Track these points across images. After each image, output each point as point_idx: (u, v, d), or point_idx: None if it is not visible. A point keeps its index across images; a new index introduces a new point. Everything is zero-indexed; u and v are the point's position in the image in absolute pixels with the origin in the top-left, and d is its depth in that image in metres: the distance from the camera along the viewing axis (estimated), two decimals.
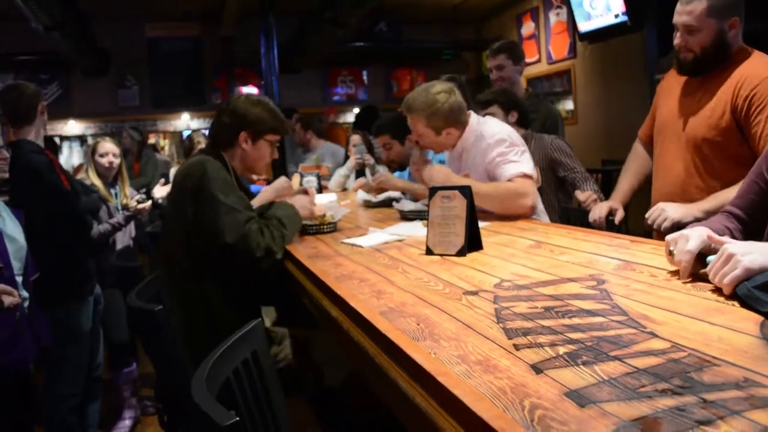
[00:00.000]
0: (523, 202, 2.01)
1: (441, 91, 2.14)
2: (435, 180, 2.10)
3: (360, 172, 4.32)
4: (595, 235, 1.69)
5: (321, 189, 3.96)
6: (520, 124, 2.68)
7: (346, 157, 4.64)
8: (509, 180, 2.03)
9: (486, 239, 1.67)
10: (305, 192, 2.16)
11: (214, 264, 1.77)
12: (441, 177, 2.11)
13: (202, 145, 3.89)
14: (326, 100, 10.76)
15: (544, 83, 7.04)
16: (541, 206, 2.28)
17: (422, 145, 2.22)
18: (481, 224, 1.94)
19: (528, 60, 7.01)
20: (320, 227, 2.14)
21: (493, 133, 2.13)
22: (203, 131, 8.12)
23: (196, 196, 1.77)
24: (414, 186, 2.75)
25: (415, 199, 2.58)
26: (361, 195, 3.09)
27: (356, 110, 11.97)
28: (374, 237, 1.90)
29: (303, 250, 1.84)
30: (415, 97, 2.17)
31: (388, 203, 2.83)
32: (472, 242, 1.56)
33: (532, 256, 1.45)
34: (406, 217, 2.32)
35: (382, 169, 3.56)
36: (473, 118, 2.25)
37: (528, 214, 2.05)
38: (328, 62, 10.15)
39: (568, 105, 6.73)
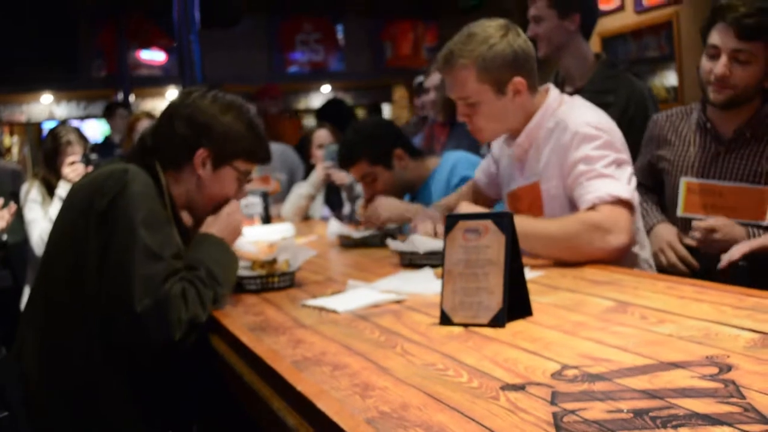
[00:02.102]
0: (608, 241, 2.06)
1: (497, 27, 2.23)
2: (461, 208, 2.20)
3: (333, 192, 4.37)
4: (716, 291, 1.71)
5: (269, 217, 3.99)
6: None
7: (308, 167, 4.68)
8: (591, 207, 2.10)
9: (537, 298, 1.69)
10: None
11: (116, 339, 1.80)
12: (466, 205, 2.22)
13: (76, 147, 3.93)
14: (277, 71, 10.87)
15: (629, 44, 7.12)
16: (649, 258, 2.34)
17: (475, 126, 2.29)
18: (530, 273, 1.96)
19: (603, 6, 7.05)
20: (268, 281, 2.17)
21: (583, 121, 2.20)
22: (78, 124, 8.14)
23: (104, 223, 1.81)
24: (427, 212, 2.79)
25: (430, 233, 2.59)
26: (335, 227, 3.12)
27: (325, 89, 12.14)
28: (356, 296, 1.92)
29: (241, 318, 1.85)
30: (456, 40, 2.25)
31: (379, 240, 2.86)
32: (516, 304, 1.57)
33: (613, 326, 1.47)
34: (410, 262, 2.35)
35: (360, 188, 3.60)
36: (553, 93, 2.34)
37: (613, 257, 2.09)
38: (279, 8, 10.30)
39: (669, 79, 6.82)
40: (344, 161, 3.23)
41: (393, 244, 2.47)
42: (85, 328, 1.82)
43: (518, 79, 2.23)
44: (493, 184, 2.65)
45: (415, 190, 3.19)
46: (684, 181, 2.41)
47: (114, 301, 1.76)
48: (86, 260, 1.81)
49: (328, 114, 5.43)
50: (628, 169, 2.17)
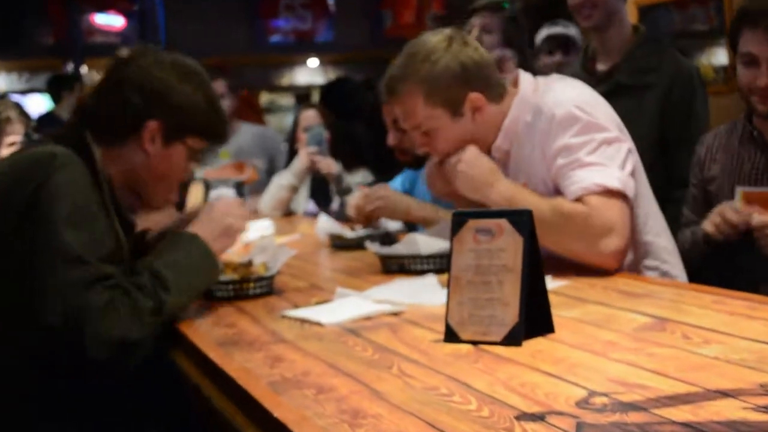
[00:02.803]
0: (605, 245, 2.07)
1: (439, 40, 2.27)
2: (460, 180, 2.21)
3: (320, 183, 4.36)
4: None
5: None
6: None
7: (291, 152, 4.68)
8: (578, 199, 2.11)
9: (560, 312, 1.69)
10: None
11: (38, 355, 1.79)
12: (472, 176, 2.21)
13: (16, 126, 3.92)
14: (257, 42, 10.86)
15: (672, 15, 7.10)
16: (669, 245, 2.34)
17: (435, 149, 2.33)
18: (552, 283, 1.96)
19: None
20: (242, 287, 2.17)
21: (557, 101, 2.21)
22: (20, 99, 8.12)
23: (25, 219, 1.79)
24: (436, 212, 2.80)
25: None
26: (325, 225, 3.12)
27: (312, 62, 12.12)
28: (345, 306, 1.92)
29: (209, 331, 1.85)
30: (395, 65, 2.31)
31: (378, 242, 2.85)
32: (535, 319, 1.57)
33: (649, 346, 1.47)
34: (402, 268, 2.36)
35: (356, 180, 3.59)
36: (525, 80, 2.35)
37: (607, 264, 2.10)
38: None
39: (717, 57, 6.81)
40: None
41: (373, 246, 2.48)
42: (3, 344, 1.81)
43: (474, 96, 2.25)
44: None
45: (418, 167, 3.16)
46: (740, 191, 2.41)
47: (25, 313, 1.74)
48: (8, 264, 1.79)
49: (333, 98, 5.42)
50: (622, 148, 2.17)
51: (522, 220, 1.58)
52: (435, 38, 2.28)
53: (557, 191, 2.18)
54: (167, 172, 2.05)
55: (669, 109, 2.92)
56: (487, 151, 2.31)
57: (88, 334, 1.70)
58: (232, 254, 2.26)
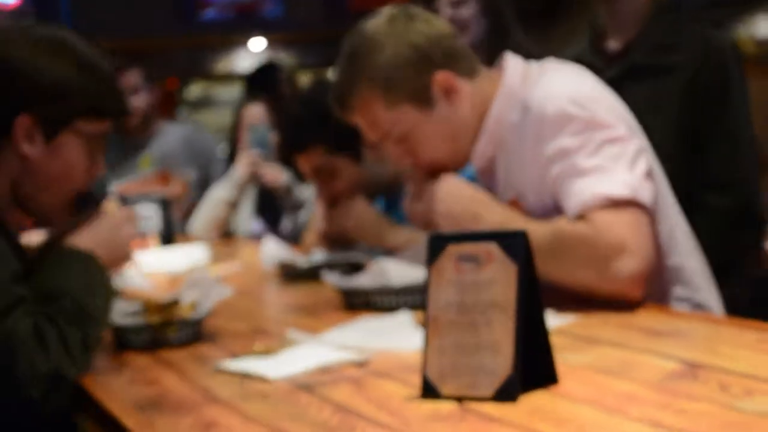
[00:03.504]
0: (617, 269, 2.06)
1: (378, 25, 2.32)
2: (441, 221, 2.21)
3: (267, 197, 4.35)
4: None
5: (170, 235, 3.99)
6: None
7: (231, 159, 4.66)
8: (581, 216, 2.11)
9: (566, 358, 1.69)
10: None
11: None
12: (453, 214, 2.22)
13: None
14: (186, 19, 10.83)
15: None
16: (700, 266, 2.35)
17: (419, 159, 2.35)
18: (556, 320, 1.97)
19: None
20: (165, 332, 2.16)
21: (548, 96, 2.22)
22: None
23: None
24: (412, 236, 2.83)
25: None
26: (273, 251, 3.11)
27: (256, 44, 12.09)
28: (298, 355, 1.92)
29: (124, 390, 1.84)
30: (338, 70, 2.36)
31: (340, 271, 2.84)
32: (534, 367, 1.57)
33: (678, 400, 1.47)
34: (375, 304, 2.36)
35: (312, 193, 3.58)
36: (512, 67, 2.36)
37: (626, 291, 2.09)
38: None
39: (759, 27, 6.87)
40: (289, 147, 3.23)
41: (332, 278, 2.48)
42: None
43: (441, 75, 2.28)
44: None
45: (396, 194, 3.18)
46: None
47: None
48: None
49: (262, 85, 5.43)
50: (629, 147, 2.17)
51: (515, 244, 1.57)
52: (373, 24, 2.32)
53: (557, 207, 2.18)
54: (62, 173, 2.04)
55: (697, 96, 2.92)
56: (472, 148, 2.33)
57: (20, 367, 1.73)
58: (155, 291, 2.25)
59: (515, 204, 2.28)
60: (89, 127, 2.05)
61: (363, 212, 3.02)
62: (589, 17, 3.22)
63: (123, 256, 2.11)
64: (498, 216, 2.20)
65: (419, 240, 2.75)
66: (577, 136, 2.14)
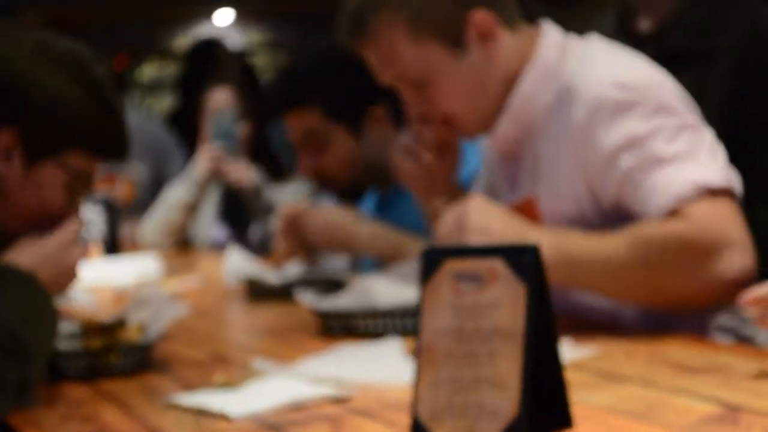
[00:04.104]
0: (718, 266, 2.06)
1: None
2: (470, 224, 2.14)
3: (232, 198, 4.34)
4: None
5: (115, 243, 3.98)
6: None
7: (191, 154, 4.66)
8: (673, 212, 2.09)
9: (582, 398, 1.69)
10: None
11: None
12: (486, 219, 2.16)
13: None
14: None
15: None
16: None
17: (435, 107, 2.33)
18: (572, 351, 1.97)
19: None
20: (107, 359, 2.16)
21: (603, 80, 2.22)
22: None
23: None
24: (402, 244, 2.83)
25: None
26: (237, 263, 3.12)
27: (222, 16, 12.05)
28: (265, 389, 1.92)
29: (58, 428, 1.84)
30: None
31: (317, 289, 2.84)
32: (545, 408, 1.57)
33: None
34: (357, 328, 2.36)
35: (286, 196, 3.58)
36: (549, 37, 2.35)
37: (730, 291, 2.04)
38: None
39: None
40: (280, 101, 3.24)
41: (307, 297, 2.48)
42: None
43: (480, 15, 2.26)
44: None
45: (388, 188, 3.18)
46: None
47: None
48: None
49: (203, 67, 5.44)
50: (705, 135, 2.19)
51: (524, 259, 1.57)
52: None
53: (607, 210, 2.19)
54: (32, 204, 2.05)
55: (742, 86, 2.92)
56: (493, 116, 2.32)
57: None
58: (97, 310, 2.25)
59: (530, 206, 2.29)
60: (78, 162, 2.06)
61: (331, 213, 3.02)
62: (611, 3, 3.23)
63: (69, 278, 2.11)
64: (543, 235, 2.15)
65: (410, 248, 2.75)
66: (648, 121, 2.14)
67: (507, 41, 2.29)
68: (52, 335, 1.99)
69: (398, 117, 3.18)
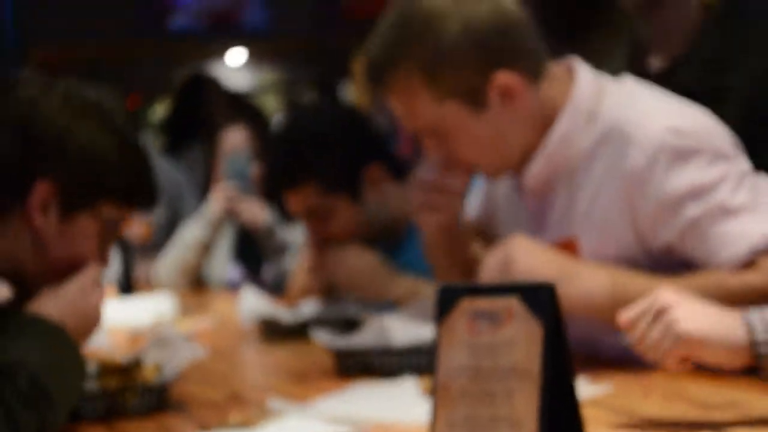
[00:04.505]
0: None
1: None
2: (518, 267, 2.12)
3: (247, 238, 4.34)
4: None
5: (130, 283, 3.98)
6: None
7: (205, 194, 4.67)
8: (746, 264, 2.08)
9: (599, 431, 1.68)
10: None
11: None
12: (534, 262, 2.14)
13: None
14: (152, 26, 10.85)
15: None
16: None
17: (455, 156, 2.32)
18: (589, 388, 1.97)
19: None
20: (121, 400, 2.16)
21: (661, 126, 2.20)
22: None
23: None
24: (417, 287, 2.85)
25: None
26: (252, 303, 3.11)
27: (236, 56, 12.07)
28: (281, 429, 1.92)
29: None
30: (380, 34, 2.28)
31: (332, 328, 2.84)
32: None
33: None
34: (373, 367, 2.36)
35: (299, 235, 3.59)
36: (581, 77, 2.33)
37: None
38: None
39: None
40: (277, 181, 3.24)
41: (323, 336, 2.47)
42: None
43: (502, 76, 2.23)
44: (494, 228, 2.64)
45: (399, 238, 3.19)
46: None
47: None
48: None
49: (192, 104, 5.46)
50: (763, 183, 2.19)
51: (541, 298, 1.57)
52: None
53: (654, 255, 2.18)
54: (66, 256, 2.03)
55: (755, 124, 2.89)
56: (521, 158, 2.30)
57: None
58: (112, 351, 2.25)
59: (571, 245, 2.27)
60: (111, 212, 2.05)
61: (358, 258, 3.03)
62: (627, 30, 3.22)
63: (94, 323, 2.08)
64: (600, 275, 2.15)
65: (425, 291, 2.75)
66: (711, 168, 2.13)
67: (530, 93, 2.26)
68: (80, 384, 1.98)
69: (395, 169, 3.21)
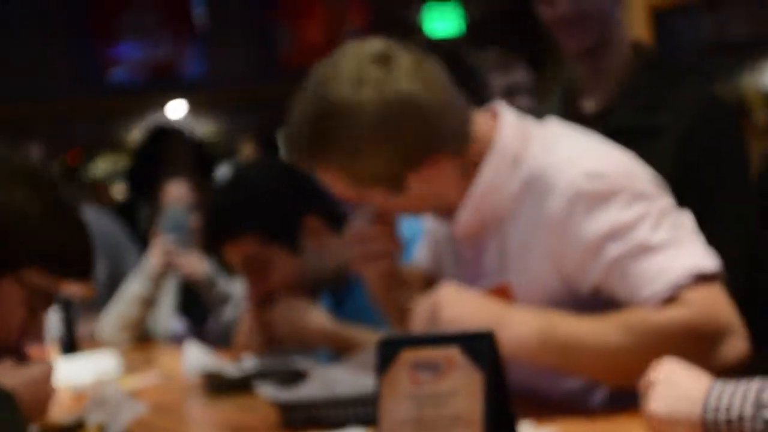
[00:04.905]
0: (728, 353, 2.07)
1: (357, 77, 2.19)
2: (444, 315, 2.11)
3: (190, 292, 4.33)
4: None
5: (73, 341, 3.95)
6: None
7: (145, 247, 4.65)
8: (669, 299, 2.08)
9: None
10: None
11: None
12: (460, 310, 2.12)
13: None
14: (90, 80, 10.82)
15: (699, 20, 7.21)
16: None
17: (376, 208, 2.35)
18: (530, 431, 1.97)
19: None
20: None
21: (580, 171, 2.20)
22: None
23: None
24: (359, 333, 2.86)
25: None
26: (196, 358, 3.10)
27: (176, 107, 12.05)
28: None
29: None
30: (293, 131, 2.29)
31: (278, 380, 2.83)
32: None
33: None
34: (319, 418, 2.34)
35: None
36: (505, 121, 2.33)
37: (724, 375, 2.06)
38: None
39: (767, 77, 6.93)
40: (216, 234, 3.24)
41: (267, 389, 2.46)
42: None
43: (425, 163, 2.22)
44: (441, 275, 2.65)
45: (344, 288, 3.20)
46: None
47: None
48: None
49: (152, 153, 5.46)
50: (683, 218, 2.20)
51: (481, 348, 1.58)
52: (349, 68, 2.21)
53: (582, 297, 2.18)
54: None
55: (688, 161, 2.92)
56: (447, 210, 2.31)
57: None
58: (55, 410, 2.23)
59: (504, 291, 2.26)
60: (37, 281, 2.03)
61: (299, 311, 3.03)
62: (560, 74, 3.24)
63: (43, 409, 2.08)
64: (527, 320, 2.13)
65: (370, 341, 2.74)
66: (629, 209, 2.14)
67: (453, 163, 2.26)
68: None
69: (335, 220, 3.22)
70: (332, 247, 3.17)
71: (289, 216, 3.15)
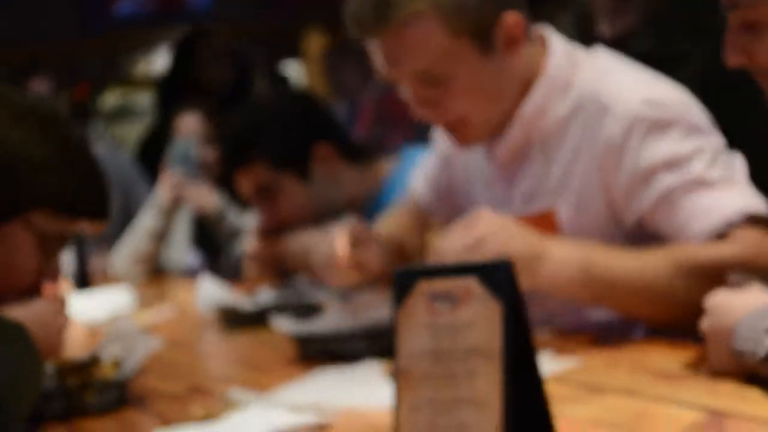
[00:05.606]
0: None
1: None
2: (487, 247, 2.05)
3: (201, 222, 4.33)
4: None
5: (86, 276, 3.95)
6: None
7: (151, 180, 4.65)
8: (720, 236, 2.08)
9: (565, 411, 1.68)
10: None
11: None
12: (502, 240, 2.08)
13: None
14: (92, 16, 10.80)
15: None
16: None
17: (455, 116, 2.29)
18: (553, 363, 1.98)
19: None
20: (79, 398, 2.14)
21: (639, 97, 2.20)
22: None
23: None
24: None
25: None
26: (209, 291, 3.10)
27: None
28: (245, 419, 1.90)
29: None
30: None
31: (288, 311, 2.83)
32: (528, 424, 1.56)
33: None
34: (335, 351, 2.35)
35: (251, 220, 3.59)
36: (555, 46, 2.33)
37: None
38: None
39: None
40: (229, 161, 3.24)
41: (282, 322, 2.45)
42: None
43: (511, 18, 2.22)
44: (445, 205, 2.63)
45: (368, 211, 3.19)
46: None
47: None
48: None
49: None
50: (737, 160, 2.20)
51: (499, 277, 1.56)
52: None
53: (626, 227, 2.18)
54: (6, 268, 2.01)
55: (711, 89, 2.89)
56: (498, 125, 2.29)
57: None
58: (70, 348, 2.23)
59: (549, 217, 2.27)
60: (46, 223, 2.02)
61: (307, 240, 3.03)
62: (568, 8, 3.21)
63: (56, 344, 2.08)
64: (567, 251, 2.12)
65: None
66: (686, 141, 2.14)
67: (523, 53, 2.26)
68: (36, 394, 1.94)
69: (348, 151, 3.21)
70: (344, 177, 3.17)
71: (300, 142, 3.15)
